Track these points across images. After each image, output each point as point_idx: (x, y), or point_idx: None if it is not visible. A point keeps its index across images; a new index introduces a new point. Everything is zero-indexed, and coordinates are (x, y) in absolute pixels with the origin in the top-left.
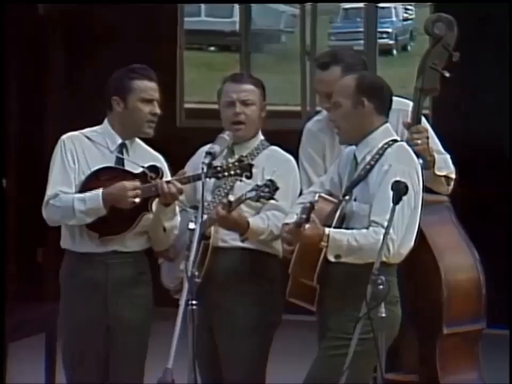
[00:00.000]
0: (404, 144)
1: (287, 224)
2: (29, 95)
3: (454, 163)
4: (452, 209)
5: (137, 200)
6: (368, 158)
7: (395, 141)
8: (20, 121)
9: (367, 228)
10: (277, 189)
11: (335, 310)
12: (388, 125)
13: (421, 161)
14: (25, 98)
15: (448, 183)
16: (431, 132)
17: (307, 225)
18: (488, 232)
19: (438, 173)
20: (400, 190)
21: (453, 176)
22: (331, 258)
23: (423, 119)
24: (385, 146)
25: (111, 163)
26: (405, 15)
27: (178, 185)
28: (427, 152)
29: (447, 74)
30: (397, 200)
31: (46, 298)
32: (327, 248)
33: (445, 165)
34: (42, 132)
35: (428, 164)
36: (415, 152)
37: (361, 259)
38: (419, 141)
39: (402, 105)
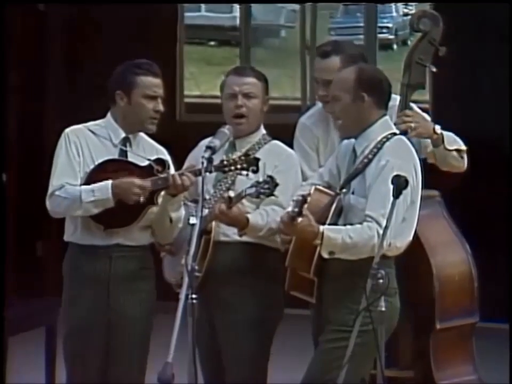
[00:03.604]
0: (403, 137)
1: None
2: (29, 88)
3: None
4: (443, 203)
5: (142, 198)
6: (367, 151)
7: (394, 134)
8: (20, 115)
9: (362, 223)
10: (276, 185)
11: (334, 303)
12: (387, 117)
13: (422, 156)
14: (25, 92)
15: (462, 156)
16: (424, 115)
17: (299, 219)
18: (488, 228)
19: (448, 147)
20: (400, 184)
21: (464, 148)
22: (325, 255)
23: (414, 106)
24: (384, 140)
25: (114, 156)
26: (405, 10)
27: (192, 177)
28: (430, 131)
29: (434, 69)
30: (397, 194)
31: (46, 291)
32: (321, 245)
33: (452, 139)
34: (42, 126)
35: (437, 142)
36: (413, 145)
37: (355, 255)
38: (412, 124)
39: (393, 101)
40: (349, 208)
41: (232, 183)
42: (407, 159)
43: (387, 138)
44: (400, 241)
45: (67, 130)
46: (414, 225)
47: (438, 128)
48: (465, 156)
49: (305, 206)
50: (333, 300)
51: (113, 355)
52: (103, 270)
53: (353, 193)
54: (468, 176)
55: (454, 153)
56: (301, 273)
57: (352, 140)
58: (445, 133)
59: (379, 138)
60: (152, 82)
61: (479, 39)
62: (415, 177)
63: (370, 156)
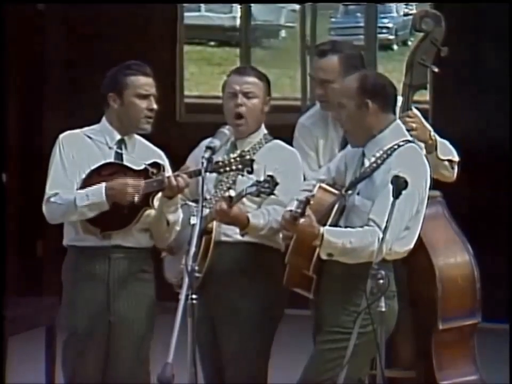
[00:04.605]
0: (415, 146)
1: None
2: (29, 88)
3: None
4: (444, 204)
5: (136, 198)
6: (377, 155)
7: (407, 141)
8: (20, 115)
9: (364, 226)
10: (276, 184)
11: (331, 303)
12: (398, 122)
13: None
14: (25, 92)
15: (452, 166)
16: (423, 120)
17: (302, 220)
18: (489, 227)
19: (441, 156)
20: (399, 185)
21: (456, 159)
22: (323, 256)
23: (414, 109)
24: (395, 146)
25: (110, 159)
26: (406, 10)
27: (187, 179)
28: (427, 136)
29: (436, 70)
30: (396, 194)
31: (46, 291)
32: (320, 247)
33: (447, 149)
34: (42, 126)
35: (430, 148)
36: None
37: (354, 259)
38: (414, 125)
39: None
40: (352, 209)
41: (233, 183)
42: (418, 171)
43: (399, 146)
44: (400, 247)
45: (61, 136)
46: (416, 234)
47: (433, 134)
48: (456, 167)
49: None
50: (331, 300)
51: (114, 357)
52: (102, 270)
53: (358, 193)
54: (468, 176)
55: (446, 163)
56: (300, 270)
57: None
58: (440, 140)
59: (390, 145)
60: (143, 82)
61: (479, 39)
62: (424, 189)
63: (379, 161)
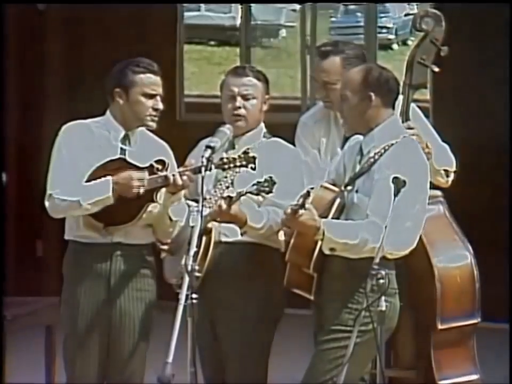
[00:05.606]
0: (413, 141)
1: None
2: (28, 88)
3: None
4: (445, 204)
5: (141, 190)
6: (374, 151)
7: (403, 137)
8: (20, 115)
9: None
10: (274, 183)
11: (332, 301)
12: (395, 117)
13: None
14: (25, 92)
15: (448, 175)
16: (425, 121)
17: (302, 211)
18: (489, 228)
19: (437, 167)
20: (399, 184)
21: (453, 169)
22: (326, 251)
23: (416, 109)
24: (393, 142)
25: (113, 154)
26: (406, 10)
27: (192, 175)
28: (423, 146)
29: (436, 69)
30: (396, 193)
31: (46, 291)
32: (322, 241)
33: (445, 157)
34: (42, 126)
35: (426, 156)
36: None
37: (356, 254)
38: (414, 137)
39: None
40: (351, 206)
41: (232, 182)
42: (415, 167)
43: (396, 141)
44: (401, 246)
45: (64, 128)
46: (418, 234)
47: (429, 144)
48: (451, 175)
49: (309, 200)
50: (332, 298)
51: (113, 353)
52: (104, 268)
53: (357, 191)
54: (469, 175)
55: (442, 171)
56: (300, 268)
57: (360, 139)
58: (440, 146)
59: (388, 142)
60: (151, 81)
61: (479, 39)
62: (424, 184)
63: (376, 157)
